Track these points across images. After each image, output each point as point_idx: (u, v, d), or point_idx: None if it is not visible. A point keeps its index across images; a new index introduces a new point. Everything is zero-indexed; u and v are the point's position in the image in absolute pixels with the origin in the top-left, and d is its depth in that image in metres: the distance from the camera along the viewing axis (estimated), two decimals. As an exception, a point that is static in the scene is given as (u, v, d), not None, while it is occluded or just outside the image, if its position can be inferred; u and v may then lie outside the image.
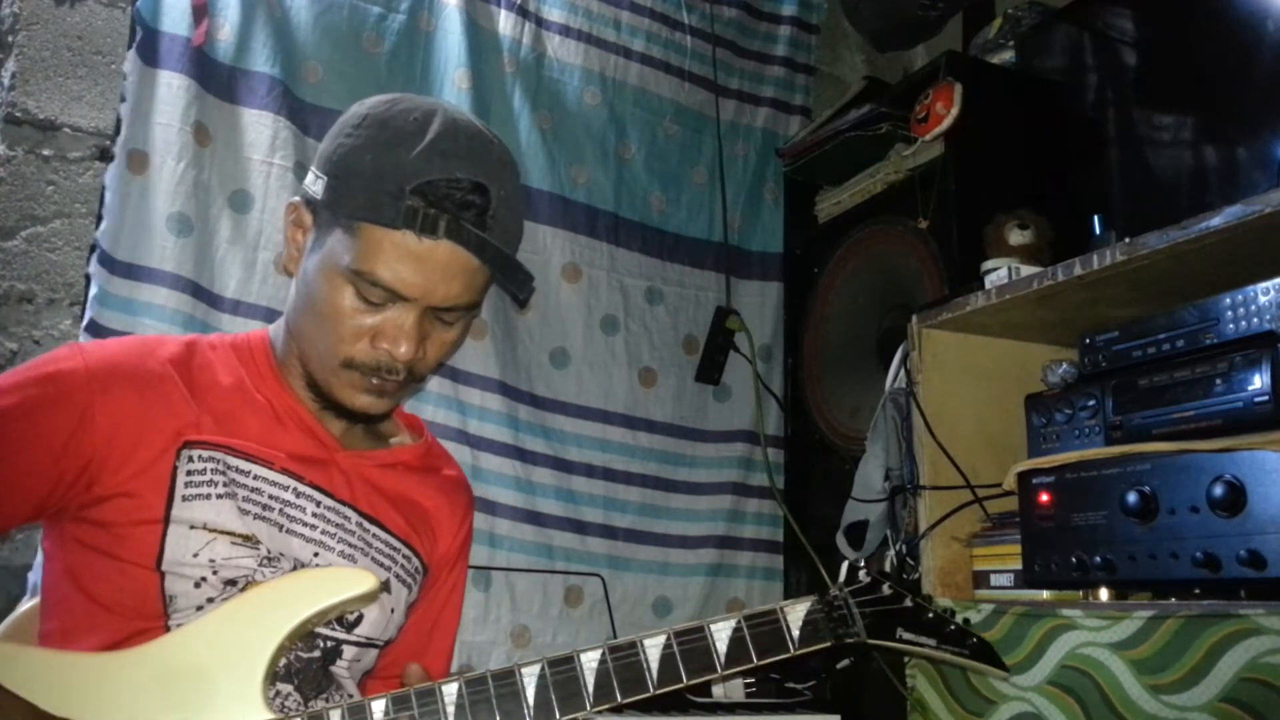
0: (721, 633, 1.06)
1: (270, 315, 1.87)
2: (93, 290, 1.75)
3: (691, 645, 1.05)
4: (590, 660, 1.03)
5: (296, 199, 1.21)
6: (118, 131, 1.82)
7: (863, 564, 1.15)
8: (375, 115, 1.15)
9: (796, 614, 1.09)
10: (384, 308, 1.13)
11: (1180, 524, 1.25)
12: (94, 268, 1.76)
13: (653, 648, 1.04)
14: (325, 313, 1.14)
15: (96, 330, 1.72)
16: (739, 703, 1.89)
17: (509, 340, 2.22)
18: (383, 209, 1.09)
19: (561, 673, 1.02)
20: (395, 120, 1.13)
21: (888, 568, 1.68)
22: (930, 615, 1.13)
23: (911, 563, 1.64)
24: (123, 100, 1.82)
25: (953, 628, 1.14)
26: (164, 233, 1.83)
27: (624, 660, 1.03)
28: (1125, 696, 1.24)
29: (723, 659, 1.05)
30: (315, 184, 1.15)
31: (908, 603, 1.13)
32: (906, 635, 1.12)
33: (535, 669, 1.02)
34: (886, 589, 1.13)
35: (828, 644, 1.09)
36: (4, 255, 1.80)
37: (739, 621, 1.07)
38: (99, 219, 1.79)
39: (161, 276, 1.81)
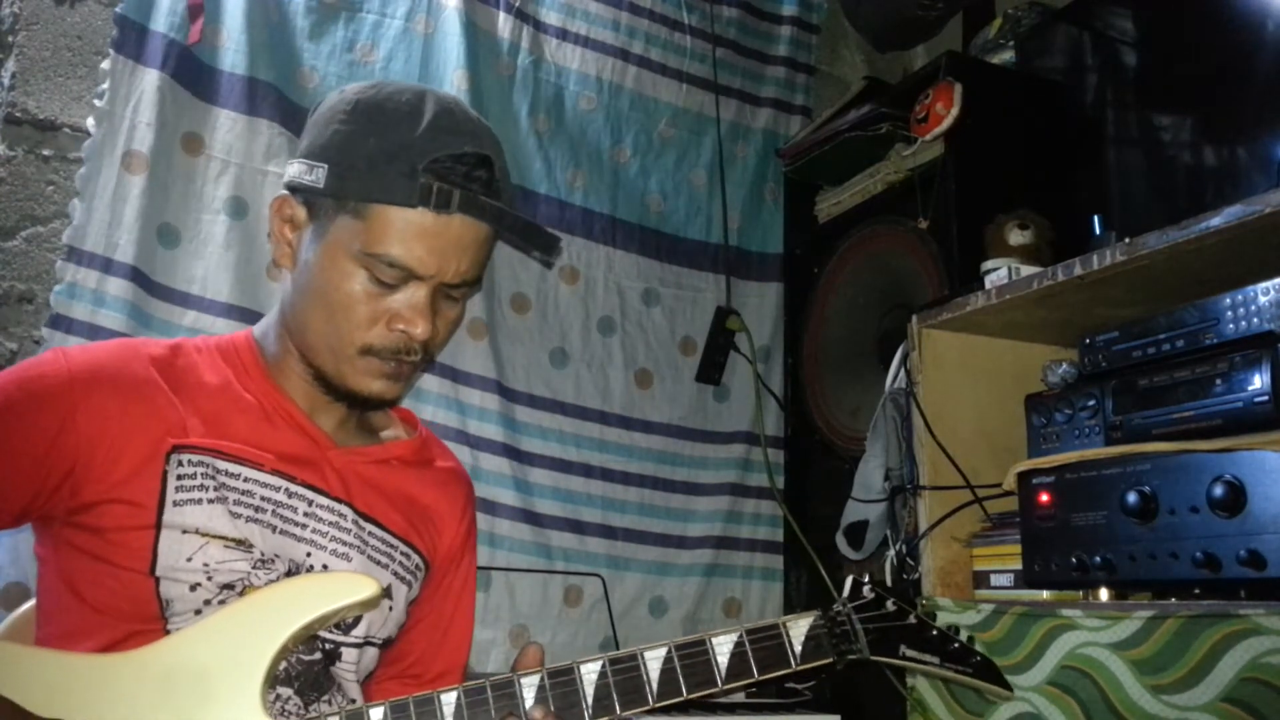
0: (723, 646, 1.05)
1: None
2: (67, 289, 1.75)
3: (692, 659, 1.04)
4: (590, 672, 1.02)
5: (284, 193, 1.19)
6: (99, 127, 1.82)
7: (867, 579, 1.14)
8: (365, 100, 1.15)
9: (799, 629, 1.08)
10: (395, 289, 1.13)
11: (1180, 524, 1.24)
12: (68, 266, 1.75)
13: (653, 660, 1.03)
14: (337, 301, 1.13)
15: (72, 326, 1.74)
16: (739, 703, 1.89)
17: (508, 341, 2.22)
18: (396, 189, 1.09)
19: (561, 684, 1.02)
20: (388, 103, 1.14)
21: (888, 568, 1.70)
22: (934, 632, 1.13)
23: (911, 563, 1.64)
24: (99, 99, 1.82)
25: (956, 645, 1.13)
26: (149, 237, 1.83)
27: (624, 673, 1.03)
28: (1125, 696, 1.24)
29: (723, 673, 1.05)
30: (311, 174, 1.14)
31: (911, 619, 1.12)
32: (910, 653, 1.11)
33: (534, 679, 1.01)
34: (890, 605, 1.12)
35: (830, 660, 1.09)
36: (4, 255, 1.80)
37: (741, 635, 1.06)
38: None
39: (147, 281, 1.82)
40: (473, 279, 1.17)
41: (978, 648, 1.15)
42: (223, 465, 1.11)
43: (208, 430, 1.12)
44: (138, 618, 1.06)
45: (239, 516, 1.10)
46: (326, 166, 1.13)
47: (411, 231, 1.11)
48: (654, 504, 2.34)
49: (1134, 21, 1.98)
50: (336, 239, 1.13)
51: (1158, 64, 1.93)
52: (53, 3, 1.89)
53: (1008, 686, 1.16)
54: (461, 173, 1.12)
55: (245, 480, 1.12)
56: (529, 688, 1.01)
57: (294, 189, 1.18)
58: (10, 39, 1.86)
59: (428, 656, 1.29)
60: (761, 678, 1.05)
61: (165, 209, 1.86)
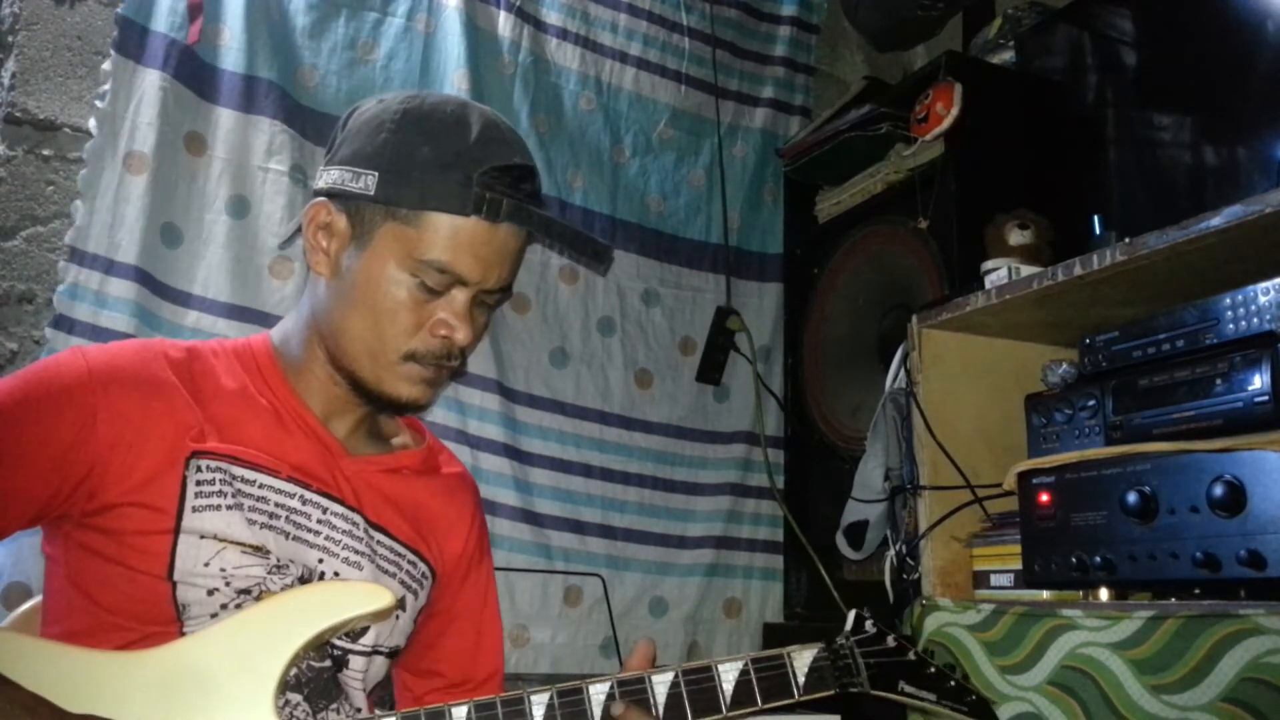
0: (729, 674, 1.08)
1: (266, 320, 1.88)
2: (69, 290, 1.75)
3: (699, 685, 1.07)
4: (598, 693, 1.04)
5: (322, 199, 1.19)
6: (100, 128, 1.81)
7: (868, 614, 1.18)
8: (412, 110, 1.17)
9: (803, 660, 1.12)
10: (439, 296, 1.15)
11: (1180, 524, 1.25)
12: (70, 267, 1.75)
13: (660, 684, 1.06)
14: (384, 308, 1.15)
15: (75, 327, 1.74)
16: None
17: (508, 341, 2.22)
18: (451, 197, 1.12)
19: (569, 704, 1.04)
20: (435, 113, 1.16)
21: (888, 568, 1.70)
22: (931, 670, 1.16)
23: (911, 563, 1.64)
24: (100, 100, 1.82)
25: (952, 684, 1.17)
26: (151, 237, 1.83)
27: (631, 696, 1.05)
28: (1126, 696, 1.24)
29: (728, 700, 1.07)
30: (357, 181, 1.14)
31: (910, 656, 1.16)
32: (908, 689, 1.15)
33: (544, 698, 1.03)
34: (891, 641, 1.16)
35: (831, 692, 1.12)
36: (4, 255, 1.80)
37: (746, 664, 1.09)
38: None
39: (150, 281, 1.82)
40: (509, 284, 1.21)
41: (971, 685, 1.18)
42: (239, 471, 1.12)
43: (223, 435, 1.13)
44: (152, 620, 1.06)
45: (254, 523, 1.10)
46: (377, 174, 1.14)
47: (462, 239, 1.13)
48: (654, 504, 2.34)
49: (1134, 21, 1.98)
50: (384, 245, 1.14)
51: (1158, 64, 1.93)
52: (53, 3, 1.89)
53: None
54: (509, 183, 1.14)
55: (261, 486, 1.12)
56: (538, 705, 1.03)
57: (333, 195, 1.18)
58: (10, 39, 1.86)
59: (468, 663, 1.30)
60: (765, 706, 1.08)
61: (167, 209, 1.86)
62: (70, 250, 1.76)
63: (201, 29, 1.90)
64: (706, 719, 1.07)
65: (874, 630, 1.16)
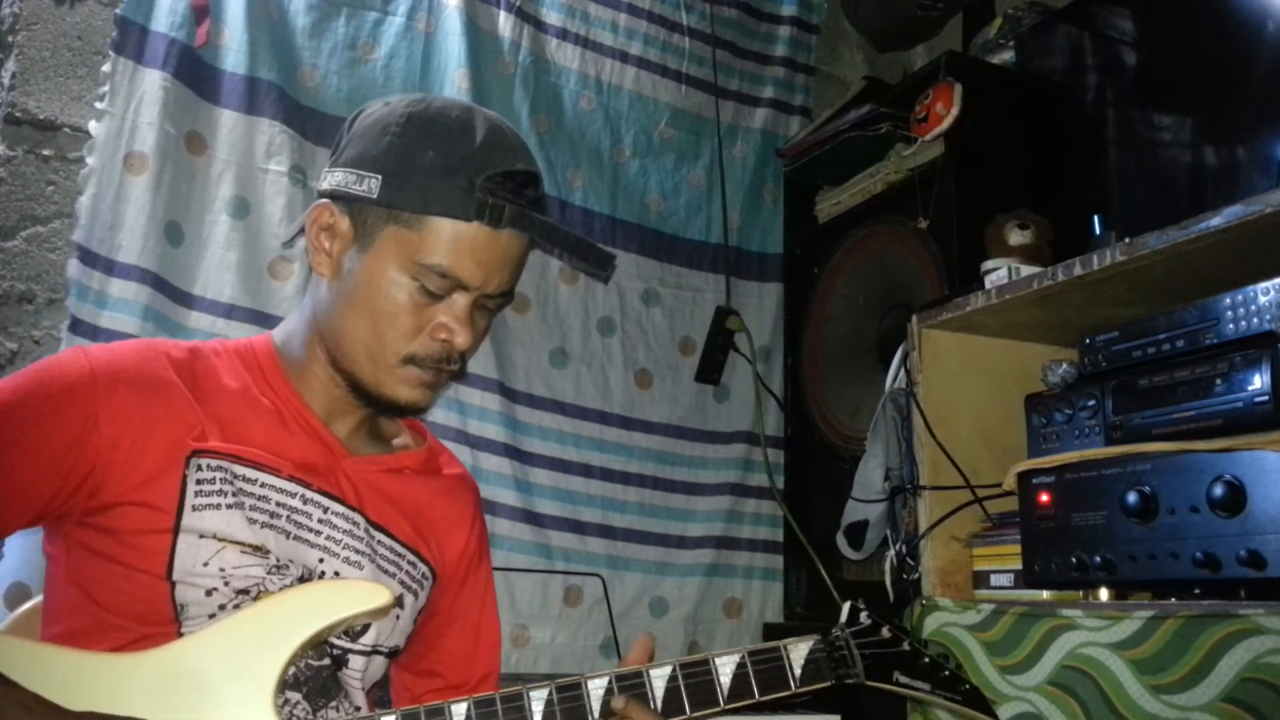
0: (726, 667, 1.09)
1: (267, 320, 1.88)
2: (78, 290, 1.75)
3: (696, 679, 1.08)
4: (597, 688, 1.05)
5: (325, 201, 1.19)
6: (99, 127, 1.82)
7: (863, 605, 1.18)
8: (417, 114, 1.17)
9: (799, 652, 1.12)
10: (439, 299, 1.16)
11: (1180, 524, 1.25)
12: (78, 267, 1.75)
13: (658, 679, 1.06)
14: (385, 310, 1.15)
15: (79, 328, 1.74)
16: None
17: (508, 341, 2.22)
18: (454, 202, 1.12)
19: (568, 699, 1.04)
20: (440, 118, 1.17)
21: (888, 568, 1.70)
22: (926, 660, 1.17)
23: (911, 563, 1.64)
24: (100, 100, 1.82)
25: (946, 673, 1.17)
26: (156, 238, 1.83)
27: (629, 691, 1.06)
28: (1126, 696, 1.24)
29: (726, 693, 1.08)
30: (361, 183, 1.15)
31: (905, 646, 1.17)
32: (902, 679, 1.16)
33: (543, 694, 1.04)
34: (885, 632, 1.16)
35: (828, 683, 1.13)
36: (4, 255, 1.80)
37: (743, 657, 1.10)
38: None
39: (157, 282, 1.82)
40: (510, 289, 1.21)
41: (964, 675, 1.18)
42: (240, 470, 1.12)
43: (225, 435, 1.13)
44: (151, 620, 1.06)
45: (255, 522, 1.10)
46: (380, 177, 1.14)
47: (464, 244, 1.13)
48: (654, 504, 2.34)
49: (1134, 21, 1.98)
50: (385, 249, 1.15)
51: (1158, 64, 1.93)
52: (53, 3, 1.89)
53: (993, 714, 1.20)
54: (512, 189, 1.15)
55: (262, 485, 1.13)
56: (537, 701, 1.03)
57: (336, 197, 1.18)
58: (10, 39, 1.86)
59: (466, 664, 1.31)
60: (762, 698, 1.09)
61: (169, 209, 1.86)
62: (77, 249, 1.76)
63: (207, 32, 1.90)
64: (705, 711, 1.07)
65: (869, 622, 1.17)
